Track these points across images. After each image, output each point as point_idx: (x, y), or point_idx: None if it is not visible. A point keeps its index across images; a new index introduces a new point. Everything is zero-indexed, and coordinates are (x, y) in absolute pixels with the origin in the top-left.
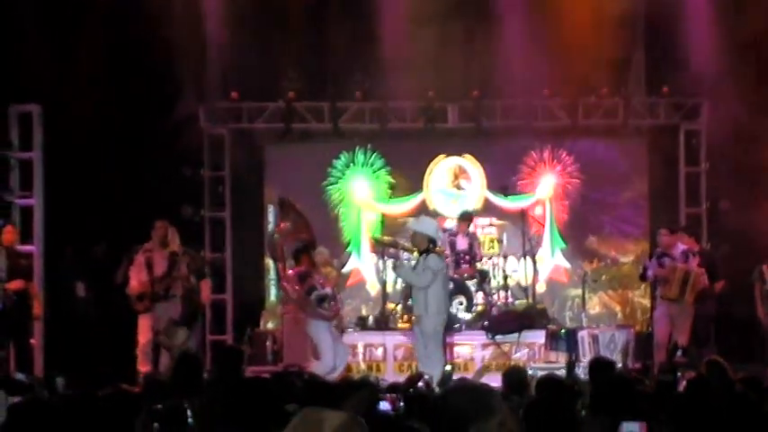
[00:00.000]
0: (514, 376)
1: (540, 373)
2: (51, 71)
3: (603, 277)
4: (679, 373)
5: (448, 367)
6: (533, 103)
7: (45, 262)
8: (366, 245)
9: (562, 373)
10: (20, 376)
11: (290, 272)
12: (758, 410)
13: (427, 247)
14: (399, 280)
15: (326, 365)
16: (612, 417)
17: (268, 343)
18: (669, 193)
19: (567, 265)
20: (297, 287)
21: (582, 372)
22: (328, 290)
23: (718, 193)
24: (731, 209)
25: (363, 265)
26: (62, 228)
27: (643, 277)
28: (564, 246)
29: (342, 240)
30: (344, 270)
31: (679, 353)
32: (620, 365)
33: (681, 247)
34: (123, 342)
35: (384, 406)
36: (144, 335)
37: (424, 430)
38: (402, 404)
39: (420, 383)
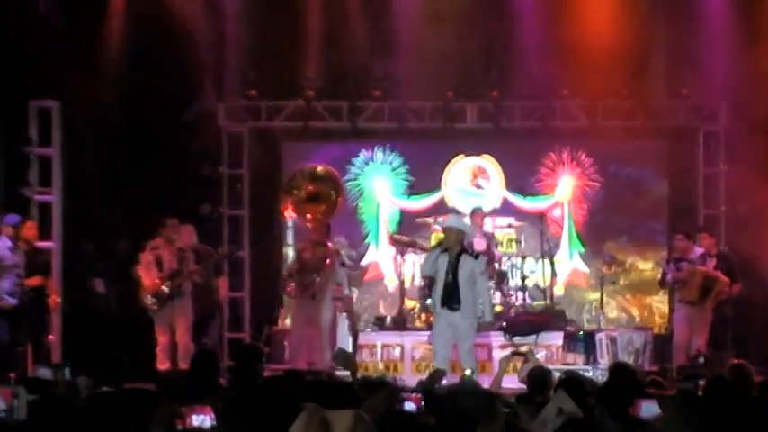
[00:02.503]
0: (538, 376)
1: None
2: (70, 67)
3: (622, 282)
4: (701, 381)
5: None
6: (552, 103)
7: (63, 258)
8: (384, 238)
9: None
10: (44, 371)
11: None
12: None
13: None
14: (417, 275)
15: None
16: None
17: (286, 342)
18: (688, 194)
19: (585, 269)
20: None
21: (600, 374)
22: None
23: (737, 194)
24: (749, 211)
25: (381, 259)
26: (80, 224)
27: (662, 283)
28: (582, 249)
29: (360, 232)
30: (363, 263)
31: (701, 359)
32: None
33: (698, 250)
34: (142, 339)
35: (409, 406)
36: (163, 334)
37: (433, 425)
38: (423, 403)
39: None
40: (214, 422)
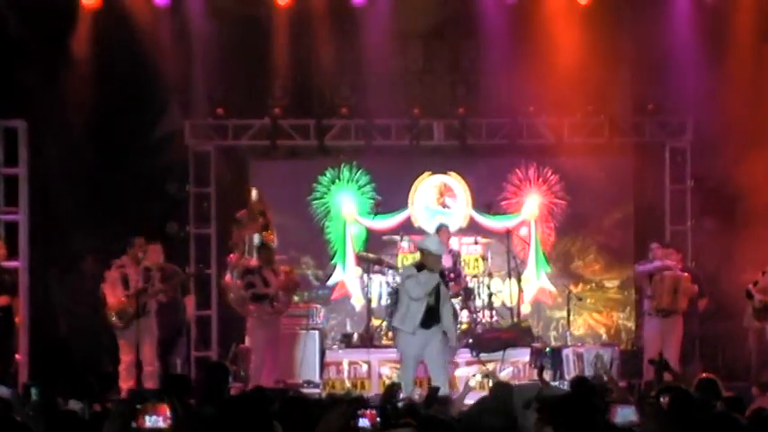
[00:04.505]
0: (501, 392)
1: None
2: (37, 87)
3: (589, 300)
4: (662, 399)
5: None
6: (518, 121)
7: (30, 278)
8: (351, 258)
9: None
10: (2, 390)
11: (244, 261)
12: (743, 429)
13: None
14: (384, 294)
15: (253, 366)
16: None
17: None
18: (655, 210)
19: (551, 288)
20: (238, 281)
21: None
22: (270, 290)
23: (704, 210)
24: (716, 227)
25: (348, 278)
26: (47, 244)
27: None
28: (549, 269)
29: (326, 252)
30: (329, 282)
31: (662, 363)
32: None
33: (666, 263)
34: (109, 358)
35: (363, 422)
36: (127, 353)
37: None
38: (379, 419)
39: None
40: (168, 422)
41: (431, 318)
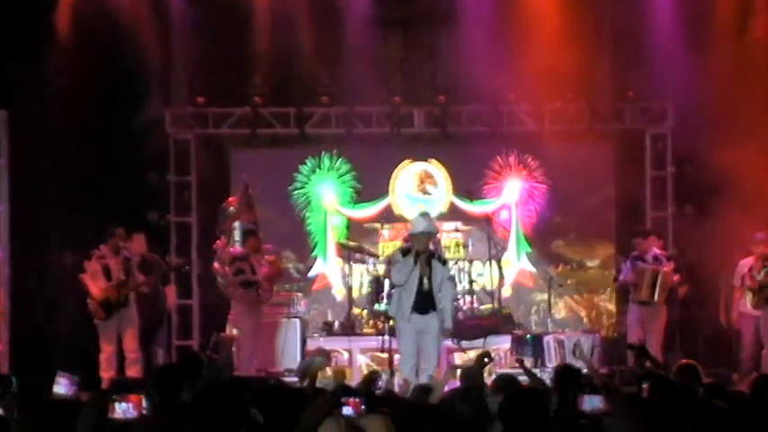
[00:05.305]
0: (469, 379)
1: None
2: (18, 77)
3: (569, 281)
4: (644, 385)
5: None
6: (499, 108)
7: (11, 268)
8: (332, 249)
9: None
10: None
11: (231, 249)
12: (723, 415)
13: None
14: (365, 284)
15: (244, 355)
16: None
17: (234, 348)
18: (635, 196)
19: (532, 269)
20: (227, 268)
21: (548, 377)
22: (258, 277)
23: (684, 197)
24: (696, 213)
25: (329, 270)
26: (28, 233)
27: (616, 280)
28: (529, 249)
29: (308, 245)
30: (310, 274)
31: (638, 350)
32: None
33: (654, 251)
34: (90, 348)
35: (347, 411)
36: (109, 343)
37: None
38: (364, 407)
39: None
40: (143, 412)
41: (425, 303)
